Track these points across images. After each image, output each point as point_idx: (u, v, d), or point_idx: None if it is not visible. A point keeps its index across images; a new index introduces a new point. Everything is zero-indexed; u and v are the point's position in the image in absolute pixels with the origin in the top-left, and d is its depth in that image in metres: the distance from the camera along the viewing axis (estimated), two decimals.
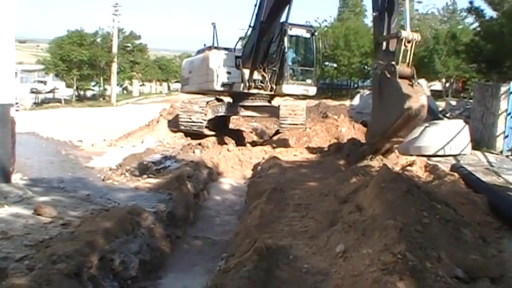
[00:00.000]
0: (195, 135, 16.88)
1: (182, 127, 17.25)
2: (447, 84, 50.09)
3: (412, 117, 9.63)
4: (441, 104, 22.31)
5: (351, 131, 14.62)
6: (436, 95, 37.16)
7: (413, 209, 5.63)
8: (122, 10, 54.55)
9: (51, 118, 31.02)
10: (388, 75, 9.88)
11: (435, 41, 45.81)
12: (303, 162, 11.99)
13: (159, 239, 7.82)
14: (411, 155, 11.72)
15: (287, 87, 17.11)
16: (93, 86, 59.56)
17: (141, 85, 75.42)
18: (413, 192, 5.98)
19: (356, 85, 56.43)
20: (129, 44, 64.24)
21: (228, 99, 18.50)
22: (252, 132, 21.17)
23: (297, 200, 7.88)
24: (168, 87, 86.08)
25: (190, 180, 10.84)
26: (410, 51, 9.77)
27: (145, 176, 11.24)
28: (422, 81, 18.54)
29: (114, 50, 51.40)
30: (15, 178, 9.85)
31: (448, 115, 15.23)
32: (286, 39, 16.92)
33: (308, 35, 17.72)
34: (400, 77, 9.70)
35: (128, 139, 18.19)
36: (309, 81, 17.69)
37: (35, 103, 48.45)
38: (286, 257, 5.25)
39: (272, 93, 17.21)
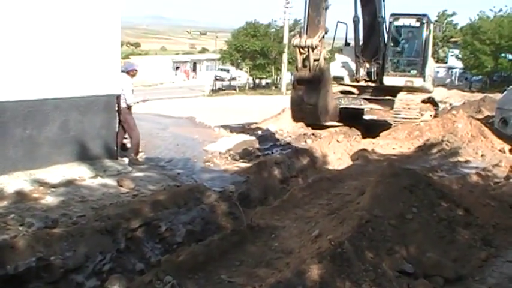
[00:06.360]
0: (315, 125, 17.43)
1: None
2: None
3: None
4: None
5: (467, 127, 13.88)
6: None
7: (402, 204, 5.80)
8: (295, 2, 56.25)
9: (218, 104, 33.88)
10: None
11: None
12: (393, 156, 11.99)
13: (219, 215, 8.85)
14: None
15: (387, 79, 17.15)
16: (269, 75, 62.76)
17: None
18: (415, 189, 6.08)
19: None
20: None
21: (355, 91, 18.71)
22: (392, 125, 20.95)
23: (342, 190, 8.25)
24: None
25: (278, 166, 11.67)
26: None
27: (242, 160, 12.36)
28: None
29: (285, 40, 53.60)
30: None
31: None
32: (385, 30, 17.15)
33: (417, 24, 17.21)
34: None
35: (258, 125, 19.54)
36: (413, 72, 17.30)
37: (212, 90, 52.97)
38: (268, 236, 5.91)
39: (379, 85, 17.17)
